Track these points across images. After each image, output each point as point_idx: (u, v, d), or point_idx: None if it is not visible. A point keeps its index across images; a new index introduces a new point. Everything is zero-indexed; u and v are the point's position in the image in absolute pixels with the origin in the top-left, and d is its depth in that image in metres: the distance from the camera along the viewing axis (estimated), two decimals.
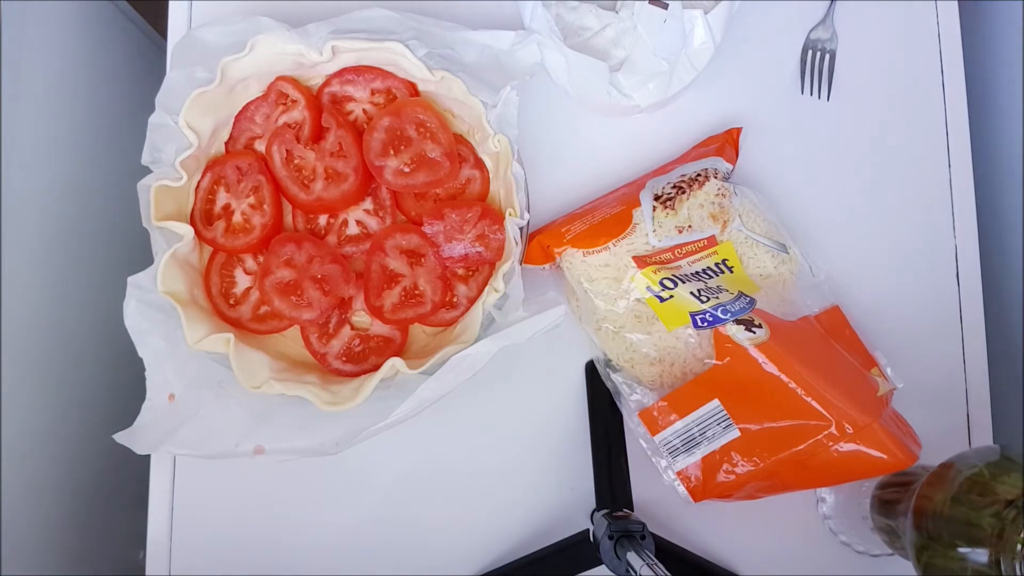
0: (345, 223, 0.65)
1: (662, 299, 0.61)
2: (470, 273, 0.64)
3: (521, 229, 0.63)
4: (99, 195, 0.81)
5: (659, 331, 0.62)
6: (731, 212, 0.65)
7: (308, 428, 0.57)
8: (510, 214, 0.61)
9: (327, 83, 0.65)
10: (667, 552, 0.62)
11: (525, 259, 0.64)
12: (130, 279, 0.60)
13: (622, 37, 0.67)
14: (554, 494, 0.65)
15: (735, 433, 0.59)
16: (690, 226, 0.64)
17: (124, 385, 0.65)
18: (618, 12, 0.67)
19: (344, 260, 0.63)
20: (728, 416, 0.59)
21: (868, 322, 0.66)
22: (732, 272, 0.63)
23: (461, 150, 0.65)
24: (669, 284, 0.61)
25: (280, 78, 0.64)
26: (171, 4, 0.71)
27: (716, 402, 0.59)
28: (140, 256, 0.62)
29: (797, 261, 0.65)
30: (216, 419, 0.58)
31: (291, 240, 0.62)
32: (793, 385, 0.57)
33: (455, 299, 0.64)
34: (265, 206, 0.63)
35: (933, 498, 0.51)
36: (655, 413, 0.60)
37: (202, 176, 0.63)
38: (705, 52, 0.64)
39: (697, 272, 0.62)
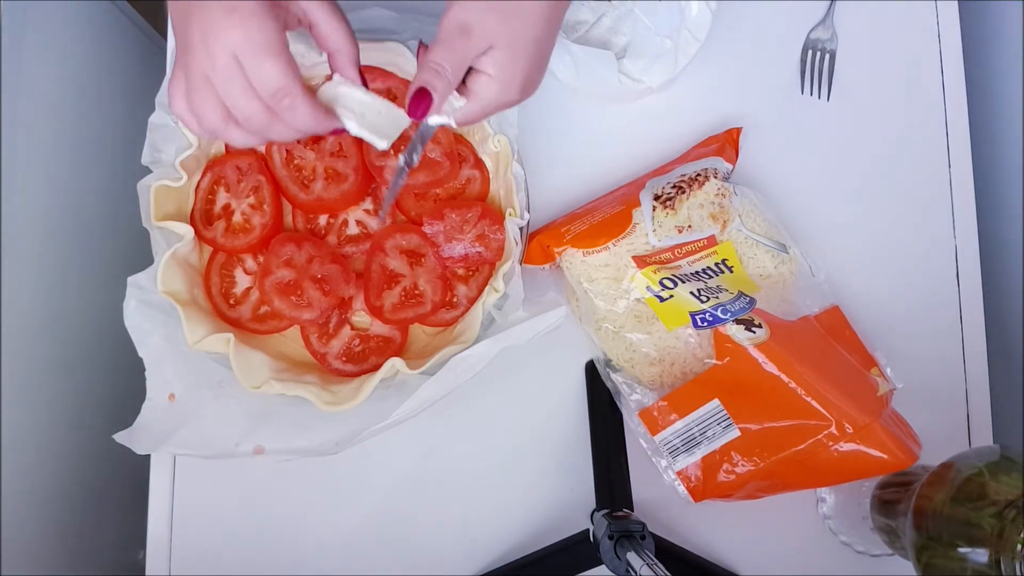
0: (345, 223, 0.65)
1: (662, 299, 0.61)
2: (470, 273, 0.64)
3: (521, 229, 0.63)
4: (99, 195, 0.81)
5: (659, 331, 0.62)
6: (731, 212, 0.65)
7: (308, 428, 0.57)
8: (510, 214, 0.61)
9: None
10: (667, 552, 0.62)
11: (525, 259, 0.64)
12: (130, 279, 0.60)
13: (620, 24, 0.67)
14: (554, 494, 0.65)
15: (735, 433, 0.59)
16: (690, 226, 0.64)
17: (124, 385, 0.65)
18: (612, 0, 0.67)
19: (344, 260, 0.63)
20: (728, 416, 0.59)
21: (868, 322, 0.66)
22: (732, 272, 0.63)
23: (461, 150, 0.65)
24: (669, 284, 0.61)
25: None
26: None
27: (716, 402, 0.59)
28: (140, 256, 0.62)
29: (797, 261, 0.65)
30: (216, 419, 0.58)
31: (291, 240, 0.62)
32: (793, 385, 0.57)
33: (455, 299, 0.64)
34: (265, 206, 0.63)
35: (933, 498, 0.51)
36: (655, 413, 0.60)
37: (202, 176, 0.63)
38: (704, 21, 0.65)
39: (697, 272, 0.62)
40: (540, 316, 0.57)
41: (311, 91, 0.47)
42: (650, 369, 0.62)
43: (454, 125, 0.50)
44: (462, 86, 0.48)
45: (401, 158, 0.51)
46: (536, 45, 0.47)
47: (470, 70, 0.48)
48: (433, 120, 0.49)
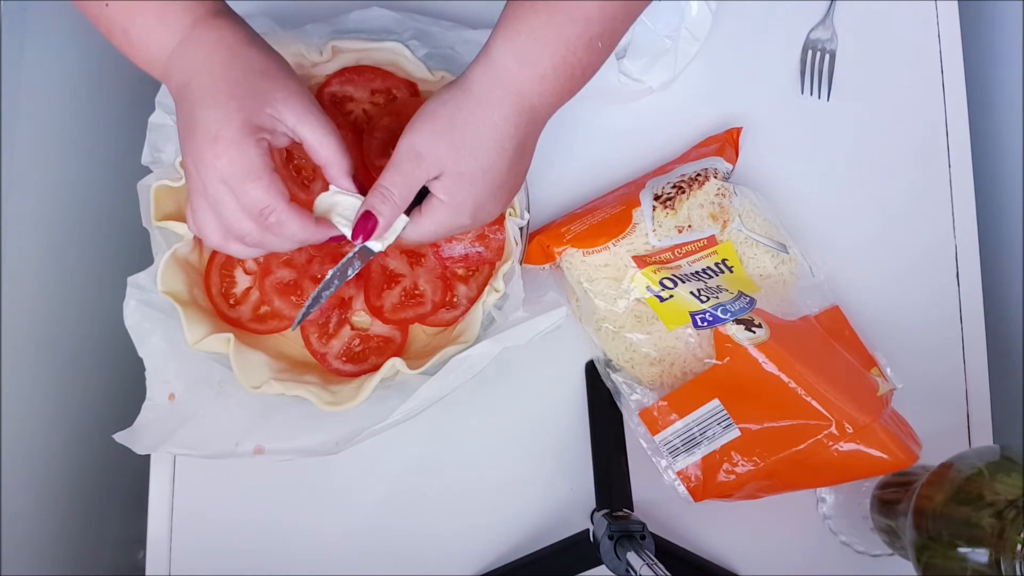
0: None
1: (662, 299, 0.61)
2: (470, 273, 0.64)
3: (521, 229, 0.63)
4: (99, 195, 0.81)
5: (659, 331, 0.62)
6: (731, 212, 0.65)
7: (308, 428, 0.57)
8: (510, 214, 0.61)
9: (327, 83, 0.65)
10: (667, 552, 0.62)
11: (525, 259, 0.64)
12: (130, 279, 0.60)
13: None
14: (554, 494, 0.65)
15: (735, 433, 0.59)
16: (690, 226, 0.64)
17: (124, 385, 0.65)
18: None
19: None
20: (728, 416, 0.59)
21: (868, 322, 0.66)
22: (732, 272, 0.63)
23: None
24: (669, 284, 0.61)
25: None
26: None
27: (716, 402, 0.59)
28: (140, 256, 0.62)
29: (797, 261, 0.65)
30: (216, 419, 0.58)
31: None
32: (793, 385, 0.57)
33: (455, 299, 0.64)
34: None
35: (933, 498, 0.51)
36: (655, 413, 0.60)
37: None
38: (704, 21, 0.65)
39: (697, 272, 0.62)
40: (540, 316, 0.57)
41: (306, 204, 0.50)
42: (650, 369, 0.62)
43: (381, 247, 0.51)
44: (417, 208, 0.50)
45: (331, 271, 0.52)
46: (487, 173, 0.48)
47: (427, 192, 0.49)
48: (374, 245, 0.51)
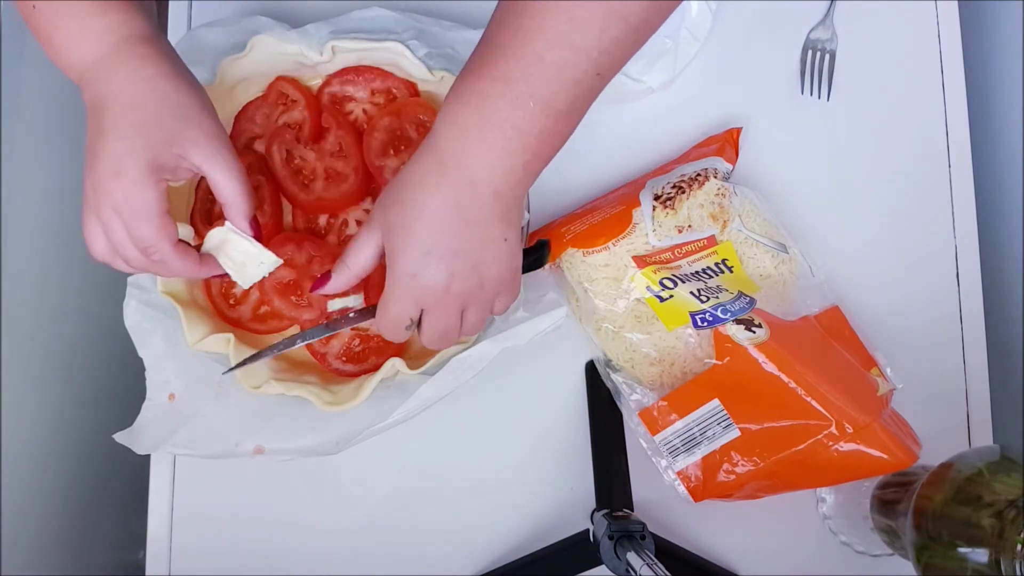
0: (345, 223, 0.65)
1: (662, 299, 0.61)
2: None
3: (521, 229, 0.63)
4: None
5: (659, 331, 0.62)
6: (731, 212, 0.65)
7: (308, 428, 0.57)
8: None
9: (327, 83, 0.65)
10: (667, 552, 0.62)
11: None
12: (130, 279, 0.60)
13: None
14: (554, 494, 0.65)
15: (735, 433, 0.59)
16: (690, 226, 0.64)
17: (124, 385, 0.65)
18: None
19: None
20: (728, 416, 0.59)
21: (868, 322, 0.66)
22: (732, 272, 0.63)
23: None
24: (669, 284, 0.61)
25: (280, 78, 0.64)
26: (171, 4, 0.71)
27: (716, 402, 0.59)
28: None
29: (797, 261, 0.65)
30: (216, 419, 0.58)
31: (291, 240, 0.62)
32: (793, 385, 0.57)
33: None
34: (265, 206, 0.63)
35: (933, 498, 0.51)
36: (655, 413, 0.60)
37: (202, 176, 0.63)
38: (704, 21, 0.65)
39: (697, 272, 0.62)
40: (540, 316, 0.57)
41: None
42: (650, 369, 0.62)
43: (326, 332, 0.55)
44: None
45: (279, 342, 0.55)
46: (408, 228, 0.46)
47: None
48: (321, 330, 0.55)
